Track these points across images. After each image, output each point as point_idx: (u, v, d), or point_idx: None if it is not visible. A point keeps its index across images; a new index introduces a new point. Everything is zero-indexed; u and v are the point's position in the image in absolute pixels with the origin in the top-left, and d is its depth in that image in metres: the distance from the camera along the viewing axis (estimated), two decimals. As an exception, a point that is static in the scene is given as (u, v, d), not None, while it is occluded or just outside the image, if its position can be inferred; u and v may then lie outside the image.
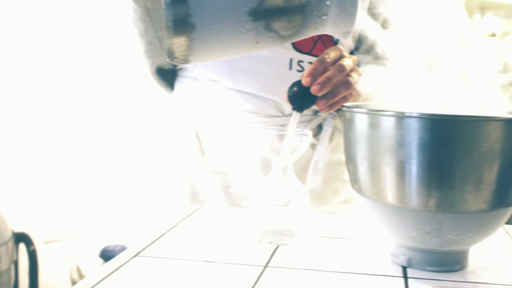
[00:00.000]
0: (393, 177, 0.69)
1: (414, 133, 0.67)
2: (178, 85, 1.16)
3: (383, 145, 0.69)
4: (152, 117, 2.11)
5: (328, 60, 0.88)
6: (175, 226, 0.91)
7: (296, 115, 0.86)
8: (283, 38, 0.77)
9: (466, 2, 3.60)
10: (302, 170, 1.08)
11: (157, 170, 1.18)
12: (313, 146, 1.09)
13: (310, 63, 1.08)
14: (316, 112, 1.13)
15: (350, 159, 0.75)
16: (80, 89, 2.55)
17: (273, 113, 1.08)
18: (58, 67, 2.53)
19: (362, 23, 1.17)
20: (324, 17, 0.76)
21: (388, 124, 0.68)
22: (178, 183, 1.12)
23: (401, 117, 0.67)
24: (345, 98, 0.90)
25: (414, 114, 0.66)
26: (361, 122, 0.72)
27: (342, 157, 1.11)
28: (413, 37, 1.19)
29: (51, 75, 2.52)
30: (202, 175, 1.11)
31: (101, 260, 2.18)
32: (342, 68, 0.88)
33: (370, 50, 1.19)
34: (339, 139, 1.14)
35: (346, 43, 1.14)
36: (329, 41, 1.11)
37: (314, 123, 1.10)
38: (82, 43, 2.54)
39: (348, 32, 0.80)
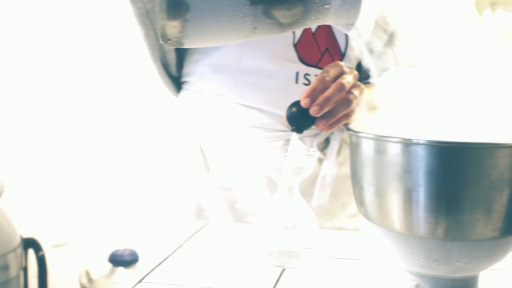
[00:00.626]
0: (400, 204, 0.67)
1: (421, 160, 0.65)
2: (182, 99, 1.15)
3: (390, 172, 0.67)
4: (158, 130, 2.10)
5: (327, 79, 0.87)
6: (180, 246, 0.91)
7: (296, 137, 0.85)
8: (282, 26, 0.75)
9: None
10: (309, 185, 1.07)
11: (163, 182, 1.16)
12: (320, 160, 1.08)
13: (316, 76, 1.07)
14: None
15: (356, 183, 0.74)
16: (91, 97, 2.54)
17: (279, 128, 1.07)
18: (68, 81, 2.53)
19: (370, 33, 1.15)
20: (326, 6, 0.74)
21: (394, 150, 0.67)
22: (183, 199, 1.11)
23: (408, 144, 0.66)
24: (347, 116, 0.89)
25: (421, 141, 0.65)
26: (367, 147, 0.70)
27: (349, 170, 1.10)
28: (422, 43, 1.16)
29: (64, 85, 2.52)
30: (208, 191, 1.10)
31: (110, 265, 2.17)
32: (341, 87, 0.86)
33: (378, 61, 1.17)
34: (347, 152, 1.13)
35: (354, 54, 1.13)
36: (337, 53, 1.10)
37: (321, 137, 1.09)
38: (88, 53, 2.53)
39: (352, 24, 0.78)
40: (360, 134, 0.71)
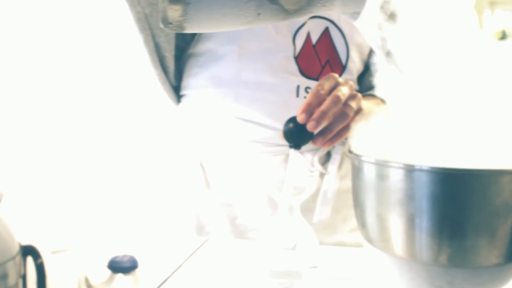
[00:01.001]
0: (403, 230, 0.66)
1: (424, 187, 0.64)
2: (181, 112, 1.14)
3: (392, 197, 0.66)
4: (158, 144, 2.09)
5: (322, 92, 0.86)
6: (180, 266, 0.90)
7: (294, 154, 0.84)
8: (287, 12, 0.73)
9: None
10: (310, 200, 1.06)
11: (163, 196, 1.15)
12: (321, 175, 1.07)
13: None
14: None
15: (358, 206, 0.73)
16: (92, 105, 2.53)
17: (280, 142, 1.06)
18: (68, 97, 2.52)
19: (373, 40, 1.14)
20: (333, -6, 0.73)
21: (397, 176, 0.66)
22: (183, 214, 1.10)
23: (411, 170, 0.65)
24: (345, 129, 0.88)
25: (425, 168, 0.64)
26: (369, 171, 0.69)
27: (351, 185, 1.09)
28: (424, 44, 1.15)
29: (66, 95, 2.51)
30: (208, 206, 1.09)
31: (109, 271, 2.17)
32: (337, 100, 0.86)
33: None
34: (349, 166, 1.11)
35: (355, 66, 1.12)
36: (338, 66, 1.09)
37: (322, 151, 1.08)
38: (88, 63, 2.52)
39: (358, 13, 0.77)
40: (362, 158, 0.70)
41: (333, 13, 0.85)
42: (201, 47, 1.08)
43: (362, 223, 0.73)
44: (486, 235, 0.64)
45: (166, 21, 0.69)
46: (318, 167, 1.06)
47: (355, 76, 1.12)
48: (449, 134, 0.68)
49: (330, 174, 1.07)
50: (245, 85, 1.04)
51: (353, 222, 1.13)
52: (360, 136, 0.76)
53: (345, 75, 1.09)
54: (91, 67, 2.50)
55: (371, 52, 1.15)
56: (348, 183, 1.10)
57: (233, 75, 1.05)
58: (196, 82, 1.09)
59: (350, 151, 0.73)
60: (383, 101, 1.08)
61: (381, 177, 0.67)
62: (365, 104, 0.99)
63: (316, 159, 1.06)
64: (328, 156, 1.09)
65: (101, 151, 2.53)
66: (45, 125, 2.49)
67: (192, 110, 1.11)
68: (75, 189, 2.53)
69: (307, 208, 1.05)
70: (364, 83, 1.16)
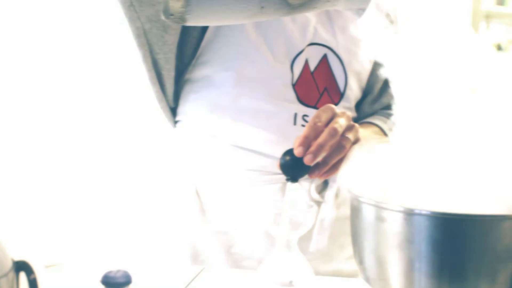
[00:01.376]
0: (402, 273, 0.66)
1: (424, 231, 0.63)
2: (177, 138, 1.13)
3: (392, 240, 0.66)
4: (154, 169, 2.07)
5: (320, 124, 0.85)
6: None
7: (291, 187, 0.83)
8: (291, 7, 0.72)
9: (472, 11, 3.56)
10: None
11: (158, 223, 1.14)
12: (318, 203, 1.06)
13: None
14: None
15: (357, 246, 0.72)
16: (91, 123, 2.52)
17: (276, 171, 1.05)
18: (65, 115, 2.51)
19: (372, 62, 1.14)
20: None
21: (396, 219, 0.65)
22: (178, 242, 1.09)
23: (410, 214, 0.64)
24: (341, 161, 0.87)
25: (424, 212, 0.63)
26: (368, 213, 0.68)
27: (349, 212, 1.08)
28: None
29: (62, 114, 2.50)
30: (203, 234, 1.07)
31: (102, 286, 2.15)
32: (334, 132, 0.85)
33: (378, 99, 1.15)
34: (346, 194, 1.10)
35: (353, 94, 1.11)
36: (336, 93, 1.08)
37: (319, 180, 1.07)
38: (84, 83, 2.51)
39: (363, 10, 0.76)
40: (361, 199, 0.69)
41: (337, 8, 0.83)
42: (197, 73, 1.07)
43: (360, 261, 0.72)
44: (487, 280, 0.63)
45: (167, 12, 0.68)
46: (315, 196, 1.05)
47: (353, 103, 1.11)
48: (448, 177, 0.67)
49: (327, 202, 1.06)
50: (242, 112, 1.03)
51: (350, 250, 1.12)
52: (358, 174, 0.75)
53: (343, 103, 1.08)
54: (88, 89, 2.49)
55: (370, 78, 1.14)
56: (345, 211, 1.09)
57: (230, 102, 1.04)
58: (192, 108, 1.08)
59: (349, 191, 0.72)
60: (381, 128, 1.07)
61: (380, 219, 0.66)
62: (363, 133, 0.98)
63: (313, 187, 1.06)
64: (325, 184, 1.08)
65: (97, 169, 2.52)
66: (39, 139, 2.48)
67: (188, 136, 1.09)
68: (69, 203, 2.51)
69: (304, 237, 1.03)
70: (362, 110, 1.15)
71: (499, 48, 3.75)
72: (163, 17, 0.70)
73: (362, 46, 1.11)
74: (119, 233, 2.32)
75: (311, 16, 1.06)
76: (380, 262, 0.67)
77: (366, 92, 1.15)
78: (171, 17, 0.69)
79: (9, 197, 2.29)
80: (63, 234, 2.49)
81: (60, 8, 2.47)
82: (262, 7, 0.71)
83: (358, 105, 1.15)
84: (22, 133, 2.45)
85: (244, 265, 1.06)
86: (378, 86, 1.15)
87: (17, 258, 0.65)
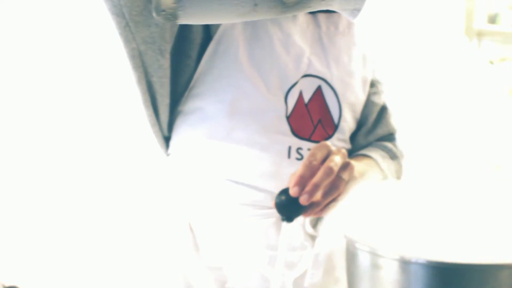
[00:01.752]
0: (399, 322, 0.65)
1: (421, 280, 0.62)
2: (170, 172, 1.12)
3: (388, 288, 0.65)
4: (146, 204, 2.06)
5: (315, 163, 0.85)
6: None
7: (286, 226, 0.82)
8: (285, 5, 0.71)
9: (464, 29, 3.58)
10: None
11: (150, 258, 1.13)
12: (312, 237, 1.05)
13: (310, 150, 1.04)
14: None
15: (352, 291, 0.71)
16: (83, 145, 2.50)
17: (271, 205, 1.04)
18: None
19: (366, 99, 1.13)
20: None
21: (392, 268, 0.64)
22: (171, 277, 1.08)
23: (406, 262, 0.63)
24: (335, 201, 0.87)
25: (420, 261, 0.62)
26: (364, 259, 0.67)
27: (342, 245, 1.06)
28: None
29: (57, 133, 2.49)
30: (197, 270, 1.06)
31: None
32: (330, 172, 0.84)
33: (372, 131, 1.15)
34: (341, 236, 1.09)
35: (347, 125, 1.10)
36: (330, 125, 1.07)
37: None
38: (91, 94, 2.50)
39: (358, 10, 0.75)
40: (357, 245, 0.68)
41: (333, 9, 0.81)
42: (190, 105, 1.06)
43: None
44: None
45: (158, 8, 0.67)
46: (310, 230, 1.04)
47: (347, 135, 1.10)
48: (444, 225, 0.67)
49: (322, 235, 1.05)
50: (236, 146, 1.02)
51: (345, 284, 1.11)
52: (354, 217, 0.74)
53: (337, 135, 1.08)
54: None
55: (364, 109, 1.14)
56: (339, 245, 1.08)
57: (223, 135, 1.03)
58: (185, 141, 1.07)
59: (345, 236, 0.71)
60: (376, 161, 1.06)
61: (376, 266, 0.66)
62: (359, 168, 0.97)
63: (307, 221, 1.05)
64: (320, 218, 1.07)
65: (89, 200, 2.51)
66: (28, 166, 2.46)
67: (181, 169, 1.08)
68: (60, 230, 2.49)
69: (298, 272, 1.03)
70: (357, 142, 1.14)
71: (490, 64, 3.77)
72: (154, 14, 0.69)
73: (356, 77, 1.11)
74: (112, 267, 2.30)
75: (305, 47, 1.06)
76: (377, 310, 0.66)
77: (360, 123, 1.14)
78: (162, 13, 0.68)
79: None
80: (54, 260, 2.47)
81: (60, 10, 2.47)
82: (256, 5, 0.70)
83: (353, 137, 1.14)
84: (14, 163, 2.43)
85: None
86: (372, 117, 1.15)
87: (8, 283, 0.64)
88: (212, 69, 1.04)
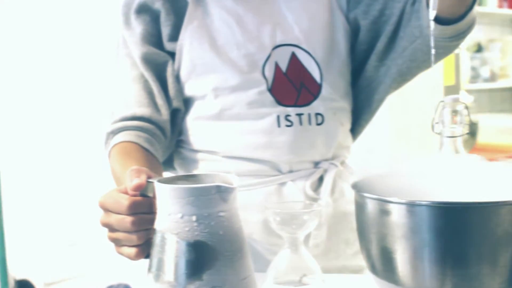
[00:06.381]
0: (408, 262, 0.69)
1: (426, 221, 0.67)
2: (177, 157, 1.18)
3: (396, 232, 0.69)
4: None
5: None
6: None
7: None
8: None
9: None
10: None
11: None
12: (314, 200, 1.08)
13: (298, 114, 1.08)
14: (316, 164, 1.12)
15: (363, 241, 0.75)
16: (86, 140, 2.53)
17: (270, 173, 1.08)
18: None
19: None
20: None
21: (399, 212, 0.68)
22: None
23: (412, 205, 0.67)
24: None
25: (425, 203, 0.66)
26: (372, 207, 0.72)
27: (348, 207, 1.10)
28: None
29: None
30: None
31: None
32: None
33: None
34: (342, 187, 1.13)
35: (333, 78, 1.14)
36: (313, 85, 1.11)
37: (315, 176, 1.10)
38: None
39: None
40: (365, 195, 0.72)
41: None
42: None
43: (367, 256, 0.75)
44: (489, 264, 0.67)
45: None
46: (310, 193, 1.08)
47: (338, 86, 1.14)
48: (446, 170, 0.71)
49: (323, 199, 1.09)
50: (227, 125, 1.09)
51: (356, 245, 1.14)
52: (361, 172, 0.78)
53: (324, 92, 1.12)
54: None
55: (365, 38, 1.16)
56: (344, 206, 1.12)
57: (213, 118, 1.09)
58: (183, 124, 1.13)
59: (353, 187, 0.76)
60: None
61: (384, 212, 0.70)
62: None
63: (308, 185, 1.08)
64: (320, 180, 1.11)
65: (98, 184, 2.52)
66: (42, 155, 2.48)
67: (186, 153, 1.14)
68: (69, 218, 2.52)
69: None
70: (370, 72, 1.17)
71: (479, 47, 3.81)
72: None
73: (325, 29, 1.14)
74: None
75: (265, 20, 1.12)
76: (386, 253, 0.71)
77: (366, 53, 1.17)
78: None
79: (8, 215, 2.30)
80: (63, 249, 2.50)
81: (60, 10, 2.49)
82: None
83: (361, 68, 1.18)
84: (23, 150, 2.46)
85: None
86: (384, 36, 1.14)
87: (19, 277, 0.66)
88: (187, 59, 1.11)
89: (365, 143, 2.34)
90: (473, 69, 3.77)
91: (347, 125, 1.18)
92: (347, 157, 1.20)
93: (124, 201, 0.74)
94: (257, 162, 1.09)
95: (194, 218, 0.66)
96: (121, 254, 0.78)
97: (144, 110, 1.07)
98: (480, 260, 0.66)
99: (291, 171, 1.10)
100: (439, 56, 1.10)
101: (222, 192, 0.67)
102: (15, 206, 2.38)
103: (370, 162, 0.87)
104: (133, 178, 0.74)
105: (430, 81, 2.28)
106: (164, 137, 1.09)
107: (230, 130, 1.09)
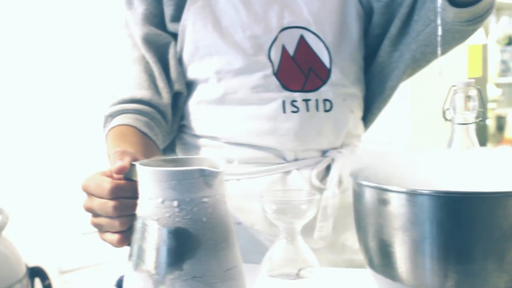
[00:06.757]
0: (407, 256, 0.64)
1: (427, 212, 0.62)
2: (179, 143, 1.14)
3: (395, 223, 0.64)
4: None
5: None
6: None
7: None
8: None
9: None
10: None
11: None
12: (320, 190, 1.03)
13: (305, 100, 1.04)
14: (324, 153, 1.07)
15: (360, 231, 0.71)
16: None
17: (274, 161, 1.04)
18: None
19: None
20: None
21: (399, 201, 0.63)
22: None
23: (413, 194, 0.62)
24: None
25: (426, 192, 0.61)
26: (370, 196, 0.67)
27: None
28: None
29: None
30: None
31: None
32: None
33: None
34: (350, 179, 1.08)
35: (344, 62, 1.08)
36: (322, 70, 1.06)
37: (322, 165, 1.05)
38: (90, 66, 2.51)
39: None
40: (363, 183, 0.67)
41: None
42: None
43: (365, 248, 0.70)
44: (494, 260, 0.61)
45: None
46: (316, 183, 1.03)
47: (348, 71, 1.09)
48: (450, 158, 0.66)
49: (329, 189, 1.04)
50: (230, 110, 1.04)
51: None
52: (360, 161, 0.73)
53: (333, 77, 1.06)
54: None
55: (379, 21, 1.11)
56: (351, 198, 1.07)
57: (216, 102, 1.05)
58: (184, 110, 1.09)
59: (350, 175, 0.71)
60: None
61: (383, 202, 0.65)
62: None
63: (314, 174, 1.04)
64: (327, 170, 1.06)
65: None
66: (49, 145, 2.48)
67: (188, 138, 1.10)
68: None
69: (307, 226, 1.01)
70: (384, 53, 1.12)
71: (510, 40, 3.71)
72: None
73: (334, 13, 1.09)
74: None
75: (272, 1, 1.06)
76: (384, 246, 0.66)
77: (381, 34, 1.11)
78: None
79: (23, 202, 2.30)
80: (78, 239, 2.49)
81: (60, 9, 2.49)
82: None
83: (374, 54, 1.13)
84: (38, 138, 2.46)
85: (251, 259, 1.04)
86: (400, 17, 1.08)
87: (32, 264, 0.64)
88: (190, 41, 1.06)
89: (385, 135, 2.30)
90: (503, 62, 3.67)
91: (358, 113, 1.13)
92: (357, 146, 1.15)
93: (106, 184, 0.70)
94: (261, 149, 1.04)
95: (175, 203, 0.62)
96: (105, 240, 0.74)
97: (144, 92, 1.03)
98: (485, 255, 0.61)
99: (296, 160, 1.05)
100: (455, 41, 1.04)
101: (206, 176, 0.62)
102: (30, 196, 2.38)
103: (375, 150, 0.82)
104: (116, 161, 0.70)
105: (454, 72, 2.21)
106: (165, 122, 1.05)
107: (233, 115, 1.04)
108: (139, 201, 0.65)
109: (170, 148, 1.15)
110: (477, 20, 0.97)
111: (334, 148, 1.08)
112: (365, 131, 1.20)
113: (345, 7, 1.10)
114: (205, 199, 0.63)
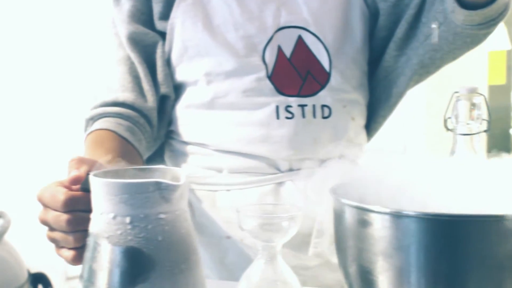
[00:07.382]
0: (389, 285, 0.56)
1: (413, 236, 0.54)
2: (167, 150, 1.08)
3: (376, 247, 0.56)
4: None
5: None
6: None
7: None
8: None
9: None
10: (306, 233, 0.96)
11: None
12: (316, 204, 0.96)
13: (301, 106, 0.97)
14: (321, 163, 1.00)
15: (340, 255, 0.64)
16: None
17: (267, 171, 0.97)
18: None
19: None
20: None
21: (381, 223, 0.56)
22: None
23: (397, 216, 0.55)
24: None
25: (412, 213, 0.54)
26: (350, 216, 0.59)
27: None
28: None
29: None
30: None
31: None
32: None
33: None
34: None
35: (344, 66, 1.01)
36: (321, 74, 0.99)
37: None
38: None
39: None
40: (343, 201, 0.60)
41: None
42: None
43: (345, 273, 0.63)
44: (489, 291, 0.53)
45: None
46: (312, 196, 0.96)
47: (348, 74, 1.02)
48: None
49: (326, 204, 0.97)
50: (218, 113, 0.98)
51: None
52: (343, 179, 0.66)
53: (332, 81, 0.99)
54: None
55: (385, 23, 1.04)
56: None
57: (205, 106, 0.99)
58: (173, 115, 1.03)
59: (332, 192, 0.63)
60: None
61: (363, 223, 0.57)
62: None
63: (309, 186, 0.97)
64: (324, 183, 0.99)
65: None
66: (54, 149, 2.46)
67: (178, 145, 1.04)
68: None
69: (302, 242, 0.95)
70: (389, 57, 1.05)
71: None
72: None
73: (335, 13, 1.02)
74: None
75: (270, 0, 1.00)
76: (364, 273, 0.58)
77: (385, 40, 1.04)
78: None
79: (27, 206, 2.27)
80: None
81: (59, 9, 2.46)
82: None
83: (379, 58, 1.06)
84: (41, 142, 2.44)
85: (240, 276, 0.97)
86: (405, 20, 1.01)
87: (38, 269, 0.60)
88: (179, 40, 1.00)
89: (399, 144, 2.22)
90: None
91: (360, 121, 1.06)
92: (359, 156, 1.07)
93: (61, 195, 0.64)
94: (252, 158, 0.97)
95: (127, 219, 0.55)
96: (61, 256, 0.68)
97: (127, 95, 0.97)
98: (478, 286, 0.53)
99: (291, 170, 0.99)
100: (467, 46, 0.97)
101: (163, 190, 0.55)
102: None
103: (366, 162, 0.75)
104: (71, 170, 0.64)
105: (473, 79, 2.12)
106: (150, 126, 0.99)
107: (223, 120, 0.98)
108: (91, 216, 0.58)
109: (159, 155, 1.08)
110: (490, 24, 0.90)
111: (333, 158, 1.01)
112: (369, 141, 1.12)
113: (348, 7, 1.03)
114: (162, 215, 0.56)
